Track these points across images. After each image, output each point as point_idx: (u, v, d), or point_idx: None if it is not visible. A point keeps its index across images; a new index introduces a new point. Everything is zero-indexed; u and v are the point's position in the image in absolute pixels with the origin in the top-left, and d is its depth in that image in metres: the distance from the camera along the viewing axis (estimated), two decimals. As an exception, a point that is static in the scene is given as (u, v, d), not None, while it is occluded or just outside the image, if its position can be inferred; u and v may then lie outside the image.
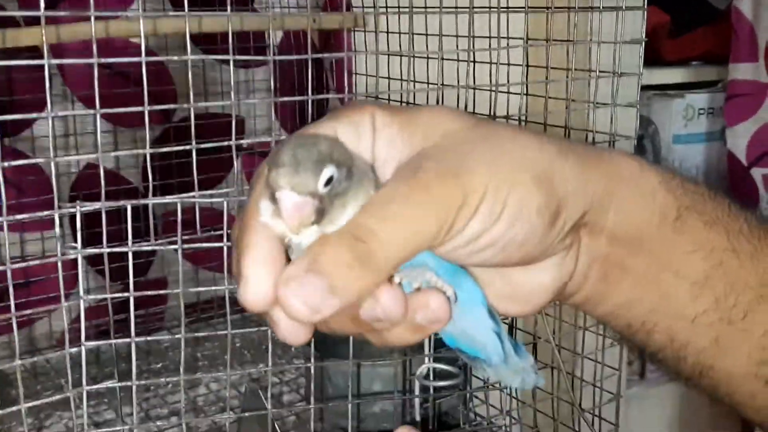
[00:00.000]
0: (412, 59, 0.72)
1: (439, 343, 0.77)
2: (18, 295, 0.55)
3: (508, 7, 0.74)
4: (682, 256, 0.36)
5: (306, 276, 0.29)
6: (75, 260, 0.60)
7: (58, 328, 1.07)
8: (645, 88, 1.04)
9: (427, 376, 0.77)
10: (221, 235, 0.63)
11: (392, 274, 0.31)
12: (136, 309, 0.57)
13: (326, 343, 0.82)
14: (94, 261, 1.01)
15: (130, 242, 0.56)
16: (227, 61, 0.61)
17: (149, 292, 0.59)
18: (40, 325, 1.07)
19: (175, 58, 0.58)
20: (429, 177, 0.31)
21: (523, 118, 0.79)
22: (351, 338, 0.72)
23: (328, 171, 0.31)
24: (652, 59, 1.11)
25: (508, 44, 0.74)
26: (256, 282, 0.30)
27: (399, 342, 0.33)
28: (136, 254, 0.58)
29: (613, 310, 0.37)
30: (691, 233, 0.36)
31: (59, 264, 0.57)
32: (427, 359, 0.77)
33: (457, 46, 0.74)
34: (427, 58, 0.80)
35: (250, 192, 0.33)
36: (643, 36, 0.75)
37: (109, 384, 0.58)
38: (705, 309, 0.36)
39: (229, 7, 0.59)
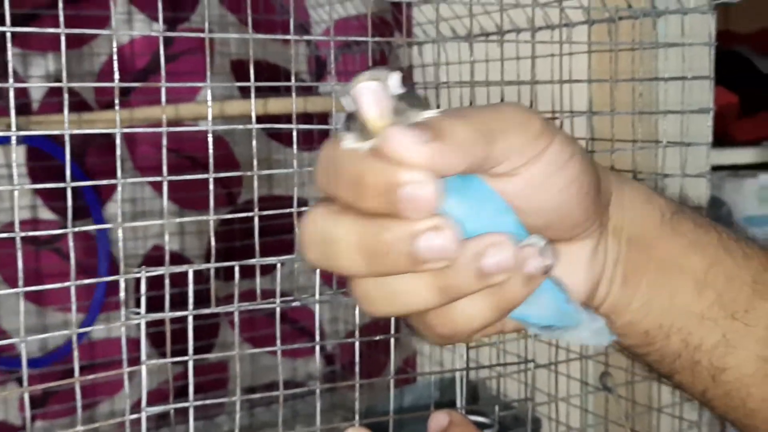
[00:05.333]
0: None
1: (472, 399, 0.75)
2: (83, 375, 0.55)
3: (570, 79, 0.73)
4: (682, 253, 0.38)
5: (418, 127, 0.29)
6: (138, 340, 0.60)
7: (119, 408, 1.07)
8: (716, 168, 1.02)
9: None
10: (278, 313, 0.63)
11: (468, 161, 0.30)
12: (195, 393, 0.57)
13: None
14: (155, 342, 1.01)
15: (190, 306, 0.56)
16: (291, 144, 0.63)
17: (208, 355, 0.59)
18: (102, 407, 1.07)
19: (240, 126, 0.59)
20: (507, 106, 0.33)
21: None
22: None
23: (398, 76, 0.30)
24: (722, 140, 1.09)
25: (571, 114, 0.74)
26: (420, 180, 0.29)
27: (514, 298, 0.31)
28: (196, 337, 0.58)
29: (633, 318, 0.39)
30: (685, 232, 0.39)
31: (122, 330, 0.57)
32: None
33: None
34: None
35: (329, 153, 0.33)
36: (711, 105, 0.74)
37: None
38: (710, 304, 0.38)
39: (293, 77, 0.60)
